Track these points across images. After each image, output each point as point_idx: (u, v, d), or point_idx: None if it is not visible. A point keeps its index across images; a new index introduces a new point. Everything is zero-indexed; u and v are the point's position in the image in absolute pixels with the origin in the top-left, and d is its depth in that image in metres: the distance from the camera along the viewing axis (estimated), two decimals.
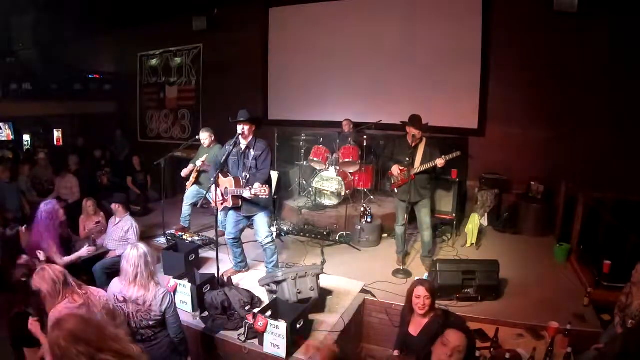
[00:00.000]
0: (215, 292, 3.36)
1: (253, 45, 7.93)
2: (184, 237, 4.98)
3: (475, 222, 5.04)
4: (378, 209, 5.62)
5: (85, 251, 4.20)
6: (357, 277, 4.11)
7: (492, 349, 2.92)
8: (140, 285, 2.39)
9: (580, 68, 5.57)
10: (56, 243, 3.93)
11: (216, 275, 3.65)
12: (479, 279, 3.66)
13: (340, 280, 4.03)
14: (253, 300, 3.48)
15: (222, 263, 3.80)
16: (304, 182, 6.28)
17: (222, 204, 3.77)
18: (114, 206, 4.36)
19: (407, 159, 4.08)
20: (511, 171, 6.03)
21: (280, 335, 2.82)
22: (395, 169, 4.20)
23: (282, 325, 2.81)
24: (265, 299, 3.53)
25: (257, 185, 3.44)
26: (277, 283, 3.35)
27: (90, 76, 9.74)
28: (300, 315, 3.00)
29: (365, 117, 6.47)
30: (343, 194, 5.56)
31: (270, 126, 7.00)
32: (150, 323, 2.42)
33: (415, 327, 2.74)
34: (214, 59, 8.38)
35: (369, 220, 5.16)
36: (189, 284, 3.38)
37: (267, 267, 4.06)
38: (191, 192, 5.21)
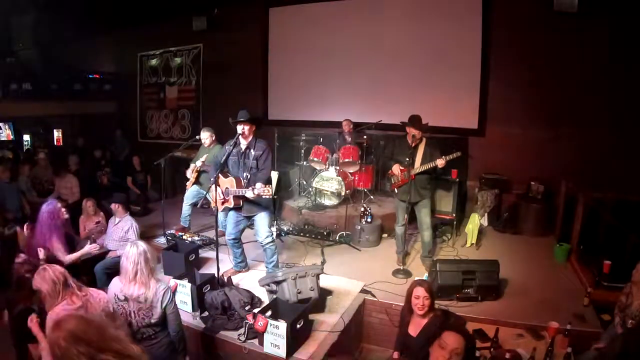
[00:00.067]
0: (215, 292, 3.36)
1: (253, 45, 7.93)
2: (184, 237, 4.98)
3: (475, 222, 5.04)
4: (378, 209, 5.62)
5: (89, 248, 4.20)
6: (357, 277, 4.11)
7: (492, 349, 2.92)
8: (141, 282, 2.39)
9: (580, 68, 5.57)
10: (61, 242, 3.94)
11: (216, 275, 3.66)
12: (479, 279, 3.66)
13: (340, 280, 4.03)
14: (253, 300, 3.48)
15: (222, 263, 3.80)
16: (304, 182, 6.28)
17: (222, 204, 3.77)
18: (113, 206, 4.36)
19: (407, 159, 4.08)
20: (511, 171, 6.03)
21: (280, 335, 2.82)
22: (396, 169, 4.20)
23: (282, 325, 2.81)
24: (265, 299, 3.53)
25: (259, 185, 3.45)
26: (277, 283, 3.35)
27: (90, 76, 9.74)
28: (300, 315, 2.99)
29: (365, 117, 6.47)
30: (343, 194, 5.56)
31: (270, 126, 7.00)
32: (152, 321, 2.42)
33: (414, 328, 2.74)
34: (214, 59, 8.38)
35: (369, 220, 5.16)
36: (189, 284, 3.38)
37: (267, 267, 4.06)
38: (191, 192, 5.21)
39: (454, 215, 5.20)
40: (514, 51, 5.92)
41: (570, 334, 2.91)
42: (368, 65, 6.95)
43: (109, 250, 4.34)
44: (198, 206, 5.05)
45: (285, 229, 5.45)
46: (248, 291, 3.56)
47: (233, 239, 3.99)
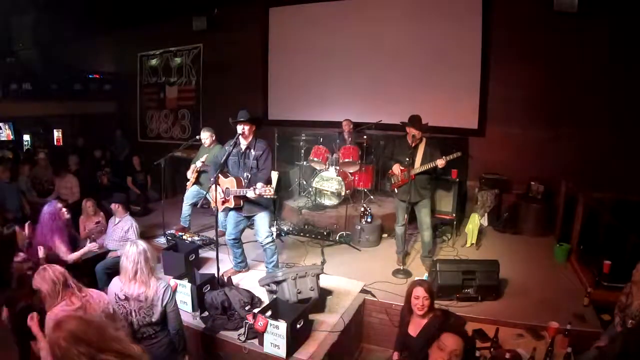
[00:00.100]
0: (215, 292, 3.37)
1: (253, 45, 7.93)
2: (184, 237, 4.98)
3: (475, 222, 5.04)
4: (378, 209, 5.62)
5: (90, 247, 4.22)
6: (357, 277, 4.11)
7: (492, 349, 2.92)
8: (141, 281, 2.39)
9: (580, 68, 5.57)
10: (63, 241, 3.96)
11: (216, 275, 3.65)
12: (479, 279, 3.66)
13: (340, 280, 4.03)
14: (253, 300, 3.48)
15: (222, 263, 3.80)
16: (304, 182, 6.28)
17: (223, 204, 3.77)
18: (113, 206, 4.36)
19: (407, 159, 4.08)
20: (511, 171, 6.03)
21: (280, 335, 2.82)
22: (397, 168, 4.20)
23: (282, 325, 2.81)
24: (265, 299, 3.53)
25: (260, 185, 3.45)
26: (277, 283, 3.35)
27: (90, 76, 9.74)
28: (300, 315, 2.99)
29: (365, 117, 6.47)
30: (343, 194, 5.56)
31: (270, 126, 7.00)
32: (153, 319, 2.42)
33: (414, 328, 2.74)
34: (214, 59, 8.38)
35: (369, 220, 5.16)
36: (189, 284, 3.39)
37: (267, 267, 4.06)
38: (191, 192, 5.21)
39: (454, 215, 5.20)
40: (514, 51, 5.92)
41: (570, 334, 2.91)
42: (368, 65, 6.95)
43: (110, 251, 4.34)
44: (198, 206, 5.05)
45: (285, 229, 5.45)
46: (248, 291, 3.56)
47: (233, 239, 3.99)
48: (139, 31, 8.98)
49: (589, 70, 5.51)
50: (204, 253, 4.64)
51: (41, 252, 3.68)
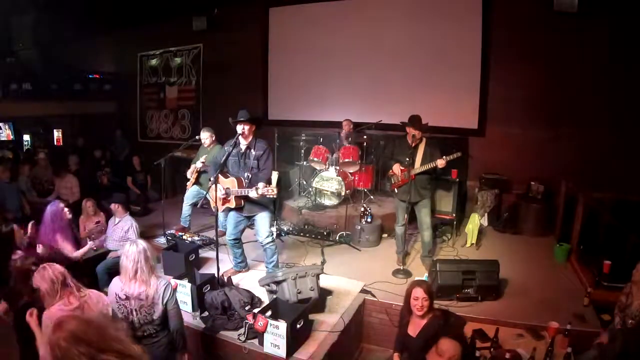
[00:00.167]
0: (215, 292, 3.37)
1: (253, 45, 7.93)
2: (184, 237, 4.98)
3: (475, 222, 5.04)
4: (378, 209, 5.62)
5: (95, 243, 4.24)
6: (357, 277, 4.11)
7: (492, 349, 2.92)
8: (141, 280, 2.39)
9: (580, 68, 5.57)
10: (67, 240, 3.97)
11: (216, 275, 3.65)
12: (479, 279, 3.66)
13: (340, 280, 4.03)
14: (253, 300, 3.48)
15: (222, 263, 3.80)
16: (304, 182, 6.28)
17: (223, 204, 3.77)
18: (113, 206, 4.36)
19: (407, 159, 4.08)
20: (511, 171, 6.03)
21: (280, 335, 2.82)
22: (397, 168, 4.20)
23: (282, 325, 2.81)
24: (265, 299, 3.54)
25: (261, 184, 3.45)
26: (277, 283, 3.35)
27: (90, 76, 9.74)
28: (300, 315, 3.00)
29: (365, 117, 6.47)
30: (343, 194, 5.56)
31: (270, 126, 7.00)
32: (154, 318, 2.43)
33: (414, 328, 2.74)
34: (214, 59, 8.38)
35: (369, 220, 5.16)
36: (189, 284, 3.39)
37: (267, 267, 4.06)
38: (191, 192, 5.21)
39: (454, 215, 5.20)
40: (514, 51, 5.92)
41: (570, 334, 2.91)
42: (368, 65, 6.95)
43: (110, 251, 4.35)
44: (198, 206, 5.05)
45: (285, 229, 5.45)
46: (248, 291, 3.56)
47: (233, 239, 3.99)
48: (139, 31, 8.98)
49: (589, 70, 5.52)
50: (204, 253, 4.64)
51: (40, 249, 3.69)
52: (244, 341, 3.02)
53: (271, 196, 3.52)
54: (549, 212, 5.56)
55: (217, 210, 3.71)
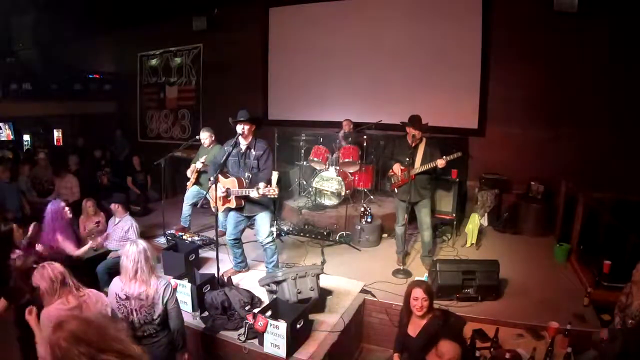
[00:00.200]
0: (215, 292, 3.37)
1: (253, 45, 7.93)
2: (184, 237, 4.98)
3: (475, 222, 5.04)
4: (378, 209, 5.62)
5: (97, 241, 4.22)
6: (357, 277, 4.11)
7: (492, 349, 2.92)
8: (142, 281, 2.39)
9: (580, 68, 5.57)
10: (68, 238, 3.96)
11: (216, 275, 3.65)
12: (479, 279, 3.66)
13: (340, 280, 4.03)
14: (253, 300, 3.48)
15: (222, 263, 3.80)
16: (304, 182, 6.28)
17: (224, 204, 3.77)
18: (113, 206, 4.36)
19: (407, 159, 4.09)
20: (511, 171, 6.03)
21: (280, 335, 2.82)
22: (397, 168, 4.20)
23: (282, 325, 2.81)
24: (265, 299, 3.54)
25: (262, 184, 3.46)
26: (277, 283, 3.35)
27: (90, 76, 9.74)
28: (300, 315, 3.00)
29: (365, 117, 6.47)
30: (343, 194, 5.56)
31: (270, 126, 7.00)
32: (154, 317, 2.43)
33: (414, 328, 2.74)
34: (214, 59, 8.38)
35: (369, 220, 5.16)
36: (189, 284, 3.39)
37: (267, 267, 4.06)
38: (191, 192, 5.21)
39: (454, 215, 5.20)
40: (514, 51, 5.92)
41: (570, 334, 2.91)
42: (368, 65, 6.95)
43: (110, 251, 4.34)
44: (198, 206, 5.05)
45: (285, 229, 5.45)
46: (248, 291, 3.56)
47: (233, 239, 3.99)
48: (139, 31, 8.98)
49: (589, 70, 5.52)
50: (204, 253, 4.64)
51: (39, 248, 3.69)
52: (244, 341, 3.02)
53: (272, 196, 3.52)
54: (549, 212, 5.56)
55: (217, 210, 3.71)
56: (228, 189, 3.68)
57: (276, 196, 3.55)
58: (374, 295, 3.83)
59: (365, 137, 5.89)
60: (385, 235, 5.31)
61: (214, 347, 3.15)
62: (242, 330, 3.07)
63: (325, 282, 3.80)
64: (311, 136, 6.42)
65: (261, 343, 2.93)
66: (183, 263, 4.05)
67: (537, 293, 3.87)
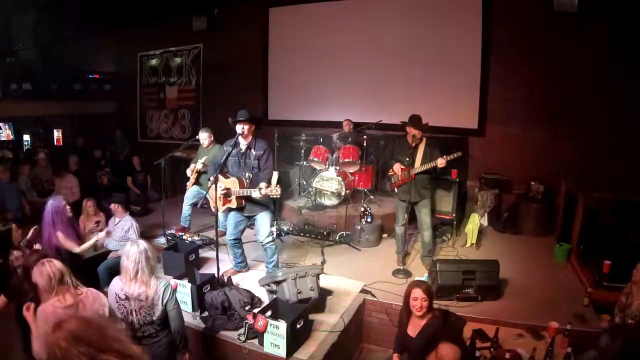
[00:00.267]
0: (215, 292, 3.37)
1: (253, 45, 7.93)
2: (184, 237, 4.98)
3: (475, 222, 5.04)
4: (378, 209, 5.62)
5: (100, 236, 4.18)
6: (357, 277, 4.12)
7: (492, 349, 2.92)
8: (142, 281, 2.39)
9: (580, 68, 5.57)
10: (69, 237, 3.95)
11: (216, 275, 3.65)
12: (479, 279, 3.66)
13: (340, 280, 4.03)
14: (253, 300, 3.48)
15: (222, 263, 3.80)
16: (304, 182, 6.28)
17: (224, 204, 3.77)
18: (112, 206, 4.36)
19: (407, 159, 4.09)
20: (511, 171, 6.03)
21: (280, 335, 2.82)
22: (397, 168, 4.20)
23: (282, 325, 2.81)
24: (265, 299, 3.54)
25: (263, 184, 3.46)
26: (277, 283, 3.35)
27: (90, 76, 9.74)
28: (300, 315, 3.00)
29: (365, 117, 6.47)
30: (343, 194, 5.56)
31: (270, 126, 7.00)
32: (154, 318, 2.42)
33: (413, 328, 2.74)
34: (214, 59, 8.38)
35: (369, 220, 5.16)
36: (189, 284, 3.39)
37: (267, 267, 4.06)
38: (191, 192, 5.21)
39: (454, 215, 5.20)
40: (514, 51, 5.92)
41: (570, 334, 2.91)
42: (368, 65, 6.95)
43: (111, 251, 4.34)
44: (198, 206, 5.05)
45: (285, 229, 5.45)
46: (248, 291, 3.56)
47: (234, 239, 3.99)
48: (139, 31, 8.98)
49: (589, 70, 5.52)
50: (204, 253, 4.64)
51: (38, 247, 3.68)
52: (244, 341, 3.02)
53: (275, 196, 3.52)
54: (549, 212, 5.56)
55: (217, 210, 3.71)
56: (229, 188, 3.67)
57: (278, 196, 3.55)
58: (374, 295, 3.83)
59: (365, 137, 5.89)
60: (385, 235, 5.31)
61: (214, 347, 3.15)
62: (242, 330, 3.07)
63: (325, 282, 3.80)
64: (311, 136, 6.42)
65: (261, 343, 2.93)
66: (183, 263, 4.05)
67: (537, 293, 3.87)
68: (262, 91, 8.00)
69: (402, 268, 4.28)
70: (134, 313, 2.40)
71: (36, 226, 4.02)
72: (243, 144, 3.77)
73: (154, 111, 9.51)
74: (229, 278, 3.87)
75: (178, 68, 8.99)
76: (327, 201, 5.70)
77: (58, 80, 8.89)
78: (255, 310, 3.15)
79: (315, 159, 5.85)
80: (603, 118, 5.44)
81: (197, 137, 5.35)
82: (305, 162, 6.18)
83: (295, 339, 2.93)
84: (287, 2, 7.58)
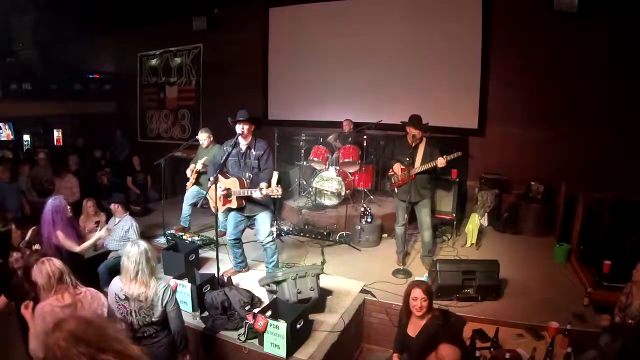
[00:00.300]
0: (215, 292, 3.36)
1: (253, 45, 7.93)
2: (184, 237, 4.98)
3: (475, 222, 5.04)
4: (378, 209, 5.62)
5: (101, 234, 4.17)
6: (357, 277, 4.12)
7: (492, 349, 2.92)
8: (142, 282, 2.38)
9: (580, 68, 5.57)
10: (70, 237, 3.94)
11: (216, 275, 3.66)
12: (479, 279, 3.66)
13: (340, 280, 4.03)
14: (253, 300, 3.48)
15: (222, 263, 3.81)
16: (304, 182, 6.28)
17: (224, 205, 3.77)
18: (112, 206, 4.36)
19: (407, 158, 4.09)
20: (511, 171, 6.03)
21: (280, 335, 2.82)
22: (397, 167, 4.20)
23: (282, 325, 2.81)
24: (265, 299, 3.54)
25: (264, 185, 3.46)
26: (277, 283, 3.35)
27: (90, 76, 9.74)
28: (300, 315, 3.00)
29: (365, 117, 6.47)
30: (343, 194, 5.56)
31: (270, 126, 7.00)
32: (153, 319, 2.42)
33: (413, 328, 2.74)
34: (214, 59, 8.38)
35: (369, 220, 5.16)
36: (189, 284, 3.39)
37: (267, 267, 4.06)
38: (191, 192, 5.21)
39: (454, 215, 5.20)
40: (514, 51, 5.92)
41: (570, 334, 2.91)
42: (368, 65, 6.95)
43: (111, 251, 4.34)
44: (198, 206, 5.05)
45: (285, 229, 5.45)
46: (248, 291, 3.56)
47: (234, 239, 3.99)
48: (139, 31, 8.98)
49: (589, 70, 5.52)
50: (204, 253, 4.64)
51: (37, 247, 3.68)
52: (244, 341, 3.02)
53: (276, 196, 3.52)
54: (549, 212, 5.56)
55: (217, 210, 3.71)
56: (229, 189, 3.67)
57: (280, 196, 3.55)
58: (374, 295, 3.83)
59: (365, 137, 5.89)
60: (385, 235, 5.31)
61: (214, 347, 3.15)
62: (242, 330, 3.07)
63: (325, 282, 3.80)
64: (311, 136, 6.43)
65: (261, 343, 2.93)
66: (183, 263, 4.05)
67: (537, 293, 3.87)
68: (262, 91, 8.00)
69: (402, 268, 4.28)
70: (133, 313, 2.40)
71: (34, 227, 4.02)
72: (243, 144, 3.77)
73: (154, 111, 9.51)
74: (229, 278, 3.87)
75: (178, 68, 8.99)
76: (327, 201, 5.70)
77: (58, 80, 8.89)
78: (255, 310, 3.15)
79: (315, 159, 5.85)
80: (603, 118, 5.44)
81: (196, 137, 5.35)
82: (305, 162, 6.18)
83: (295, 339, 2.93)
84: (287, 2, 7.58)
